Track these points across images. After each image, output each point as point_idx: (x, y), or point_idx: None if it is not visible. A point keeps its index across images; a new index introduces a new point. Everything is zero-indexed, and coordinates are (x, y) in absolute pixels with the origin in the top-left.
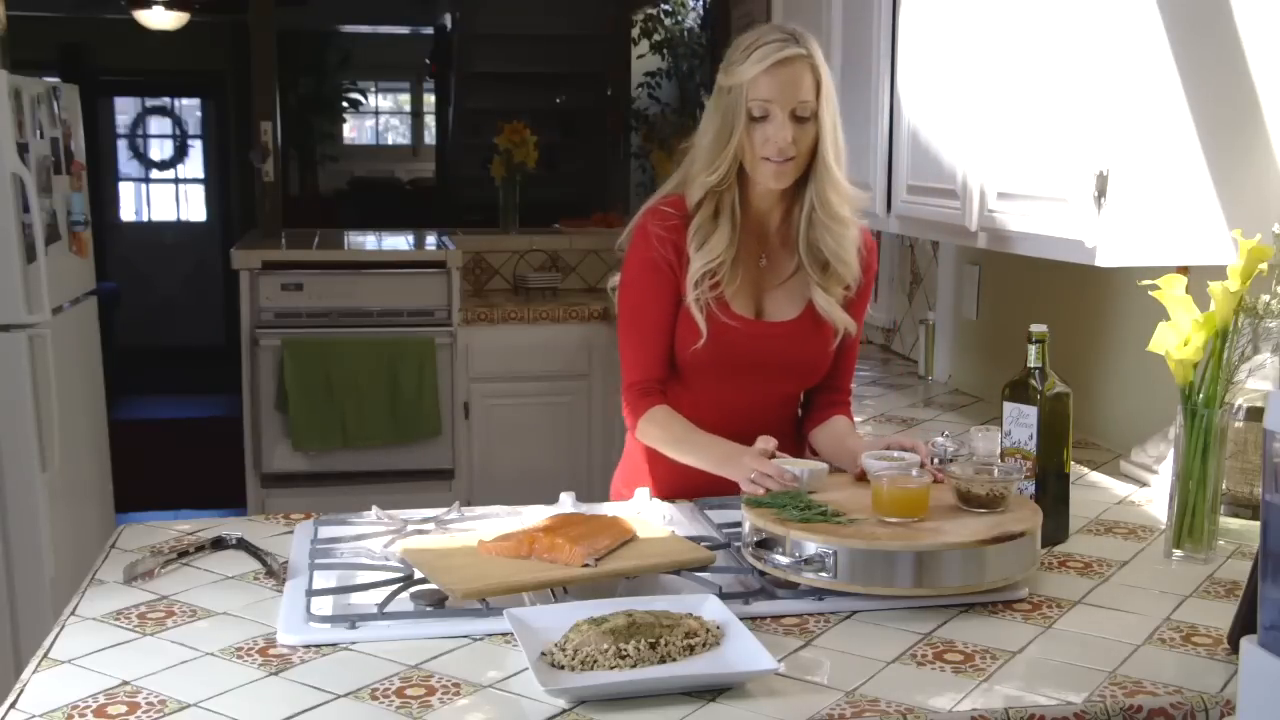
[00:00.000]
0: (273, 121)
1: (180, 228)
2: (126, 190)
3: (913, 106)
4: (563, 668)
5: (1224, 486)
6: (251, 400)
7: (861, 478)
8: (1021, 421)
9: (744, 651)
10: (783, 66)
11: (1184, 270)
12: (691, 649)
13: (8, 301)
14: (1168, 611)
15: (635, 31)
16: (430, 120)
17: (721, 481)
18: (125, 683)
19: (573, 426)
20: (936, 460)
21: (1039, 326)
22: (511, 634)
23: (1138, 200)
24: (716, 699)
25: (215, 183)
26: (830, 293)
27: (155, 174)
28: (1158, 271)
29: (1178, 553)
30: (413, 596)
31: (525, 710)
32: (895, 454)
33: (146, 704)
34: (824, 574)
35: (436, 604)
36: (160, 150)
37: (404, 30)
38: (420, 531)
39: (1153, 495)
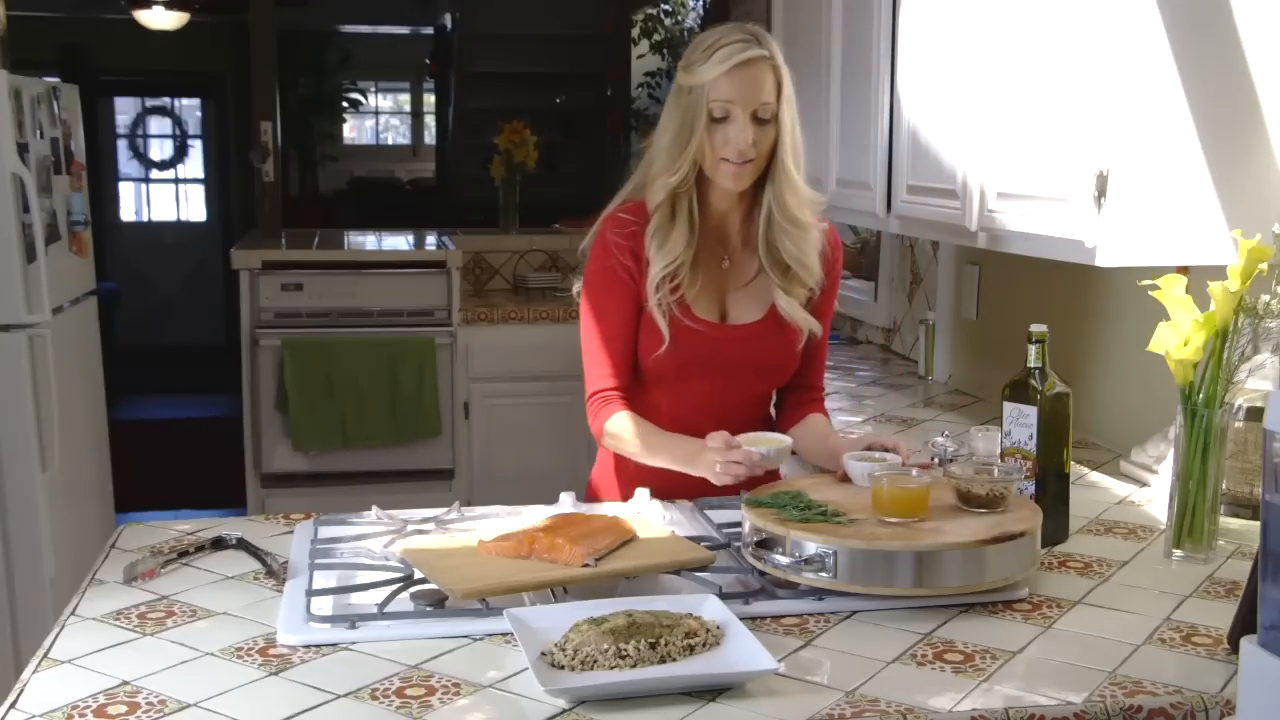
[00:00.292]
0: (273, 121)
1: (180, 228)
2: (126, 190)
3: (913, 106)
4: (563, 668)
5: (1224, 486)
6: (251, 400)
7: (844, 479)
8: (1021, 421)
9: (744, 651)
10: (745, 68)
11: (1184, 270)
12: (691, 649)
13: (8, 301)
14: (1168, 611)
15: (635, 31)
16: (430, 120)
17: (693, 480)
18: (125, 683)
19: (573, 426)
20: (936, 460)
21: (1039, 326)
22: (511, 634)
23: (1138, 200)
24: (716, 699)
25: (215, 183)
26: (792, 294)
27: (155, 174)
28: (1158, 271)
29: (1178, 553)
30: (413, 596)
31: (525, 710)
32: (877, 454)
33: (146, 704)
34: (824, 574)
35: (436, 604)
36: (160, 150)
37: (404, 30)
38: (420, 531)
39: (1153, 495)
